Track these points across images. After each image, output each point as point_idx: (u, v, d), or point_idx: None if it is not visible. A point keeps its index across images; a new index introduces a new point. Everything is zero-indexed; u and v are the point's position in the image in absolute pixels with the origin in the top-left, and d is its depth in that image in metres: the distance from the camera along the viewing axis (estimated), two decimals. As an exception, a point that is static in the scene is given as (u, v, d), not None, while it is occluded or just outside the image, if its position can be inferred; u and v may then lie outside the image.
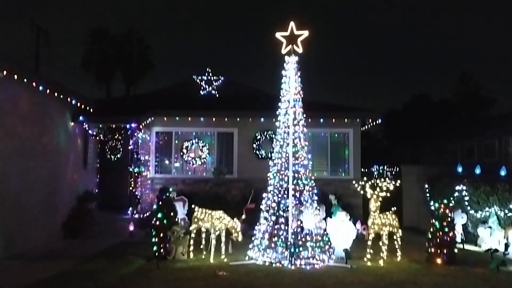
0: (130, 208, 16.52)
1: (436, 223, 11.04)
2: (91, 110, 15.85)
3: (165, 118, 16.91)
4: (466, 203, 13.81)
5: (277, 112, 11.56)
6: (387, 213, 11.24)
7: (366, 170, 18.40)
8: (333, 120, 17.16)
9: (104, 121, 16.81)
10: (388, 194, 11.01)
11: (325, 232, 11.29)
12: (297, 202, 11.00)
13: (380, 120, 17.83)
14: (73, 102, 14.70)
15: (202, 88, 20.35)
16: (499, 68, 67.26)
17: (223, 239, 11.24)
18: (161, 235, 10.94)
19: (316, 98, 17.15)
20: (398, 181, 11.33)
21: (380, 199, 11.01)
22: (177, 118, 16.91)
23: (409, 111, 38.97)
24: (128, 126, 16.63)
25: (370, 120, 17.81)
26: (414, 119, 37.97)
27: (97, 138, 17.62)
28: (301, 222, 10.92)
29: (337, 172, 17.57)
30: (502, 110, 32.13)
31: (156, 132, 17.18)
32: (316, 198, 11.27)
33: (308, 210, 10.95)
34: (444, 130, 32.01)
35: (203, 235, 11.59)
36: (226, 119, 17.00)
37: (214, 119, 16.94)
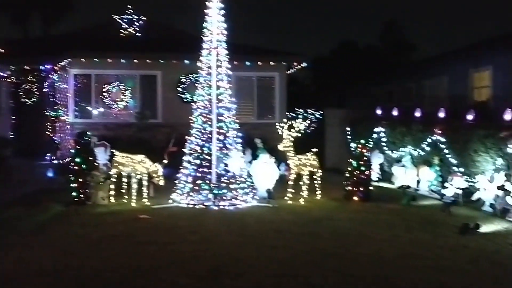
0: (49, 154, 15.84)
1: (354, 162, 11.49)
2: (2, 51, 14.78)
3: (83, 60, 16.02)
4: (384, 144, 14.45)
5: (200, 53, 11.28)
6: (308, 154, 11.52)
7: (293, 115, 18.65)
8: (259, 63, 17.07)
9: (17, 63, 15.80)
10: (300, 135, 11.21)
11: (249, 174, 11.43)
12: (221, 145, 10.98)
13: (305, 64, 17.99)
14: (-20, 41, 13.60)
15: (123, 28, 19.42)
16: (423, 14, 69.57)
17: (144, 183, 11.07)
18: (80, 180, 10.60)
19: (241, 41, 16.94)
20: (308, 121, 11.56)
21: (292, 139, 11.19)
22: (96, 59, 16.09)
23: (337, 58, 39.63)
24: (43, 68, 15.68)
25: (295, 64, 17.91)
26: (341, 65, 38.70)
27: (10, 80, 16.51)
28: (226, 165, 10.94)
29: (263, 116, 17.68)
30: (424, 56, 33.44)
31: (74, 74, 16.28)
32: (240, 141, 11.31)
33: (233, 153, 10.97)
34: (367, 75, 32.92)
35: (125, 180, 11.36)
36: (148, 61, 16.43)
37: (136, 61, 16.30)
